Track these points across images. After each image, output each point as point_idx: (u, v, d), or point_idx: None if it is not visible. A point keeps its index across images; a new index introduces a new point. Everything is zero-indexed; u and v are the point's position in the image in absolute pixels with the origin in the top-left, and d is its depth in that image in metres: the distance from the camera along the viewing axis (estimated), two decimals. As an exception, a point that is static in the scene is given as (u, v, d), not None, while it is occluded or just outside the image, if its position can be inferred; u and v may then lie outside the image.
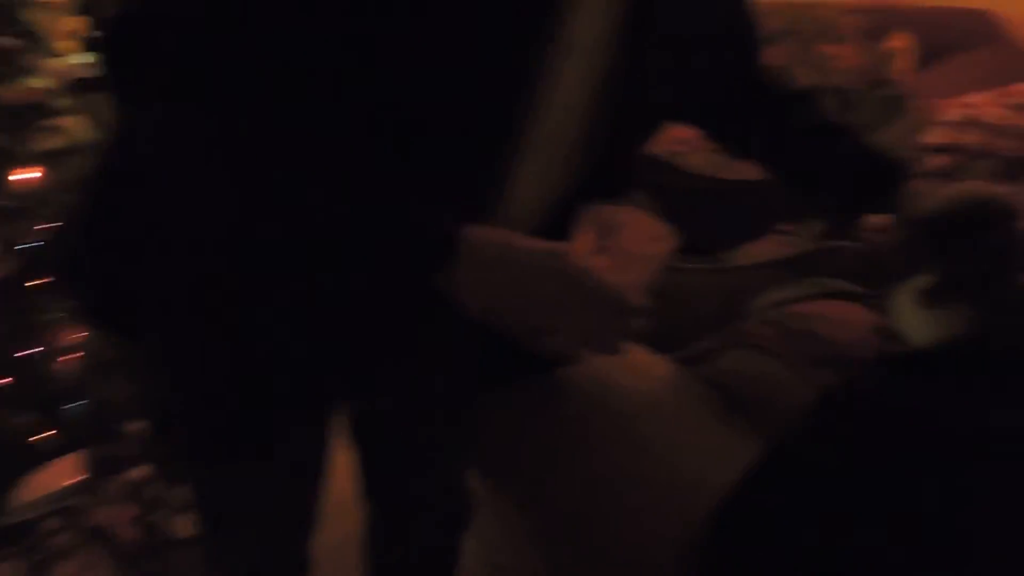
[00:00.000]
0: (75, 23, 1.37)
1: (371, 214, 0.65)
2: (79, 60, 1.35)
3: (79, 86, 1.32)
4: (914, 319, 0.90)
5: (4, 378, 1.27)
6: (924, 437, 0.79)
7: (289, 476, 0.84)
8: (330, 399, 0.83)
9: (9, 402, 1.28)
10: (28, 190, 1.27)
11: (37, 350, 1.30)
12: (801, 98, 0.97)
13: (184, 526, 1.34)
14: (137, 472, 1.38)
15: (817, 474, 0.79)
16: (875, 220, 0.90)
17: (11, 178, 1.26)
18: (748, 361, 0.92)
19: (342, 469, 0.90)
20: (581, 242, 0.69)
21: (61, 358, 1.32)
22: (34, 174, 1.28)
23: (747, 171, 1.96)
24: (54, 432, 1.33)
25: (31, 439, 1.31)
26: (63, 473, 1.35)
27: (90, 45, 1.34)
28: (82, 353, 1.33)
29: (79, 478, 1.36)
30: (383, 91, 0.64)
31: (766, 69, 0.96)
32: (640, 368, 1.01)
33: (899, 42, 2.00)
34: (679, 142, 1.84)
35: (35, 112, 1.28)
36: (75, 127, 1.33)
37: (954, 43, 2.24)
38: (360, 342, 0.76)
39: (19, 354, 1.28)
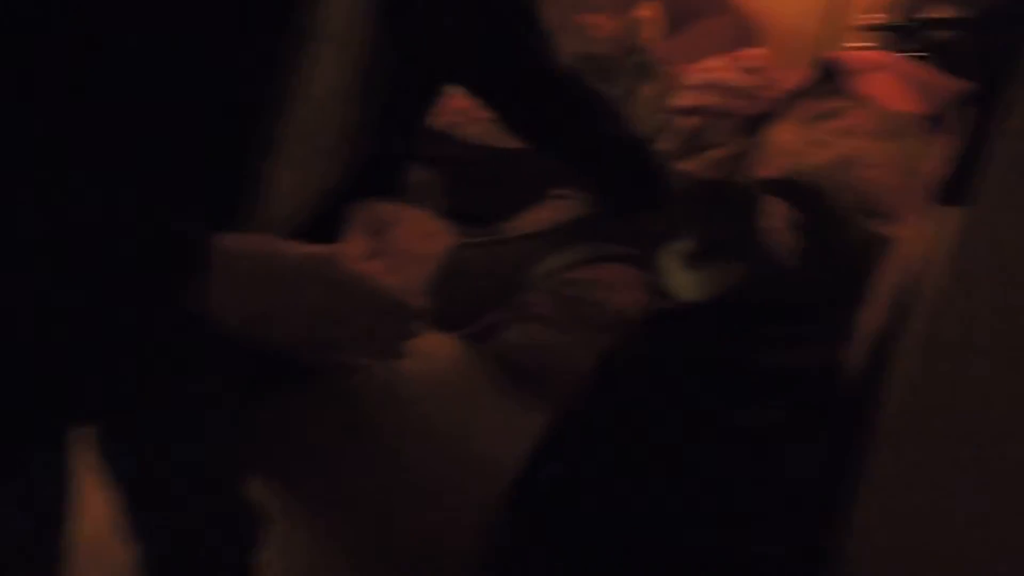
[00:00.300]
0: None
1: (106, 222, 0.58)
2: None
3: None
4: (681, 278, 0.95)
5: None
6: (697, 387, 0.84)
7: (20, 511, 0.72)
8: (64, 417, 0.72)
9: None
10: None
11: None
12: (568, 78, 0.99)
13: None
14: None
15: (599, 439, 0.82)
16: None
17: None
18: (531, 333, 0.93)
19: (96, 508, 0.78)
20: (352, 244, 0.65)
21: None
22: None
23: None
24: None
25: None
26: None
27: None
28: None
29: None
30: (119, 87, 0.57)
31: (537, 45, 0.97)
32: (426, 351, 0.98)
33: (647, 12, 2.12)
34: (455, 112, 1.81)
35: None
36: None
37: (693, 13, 2.43)
38: (93, 355, 0.67)
39: None
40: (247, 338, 0.61)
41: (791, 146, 1.37)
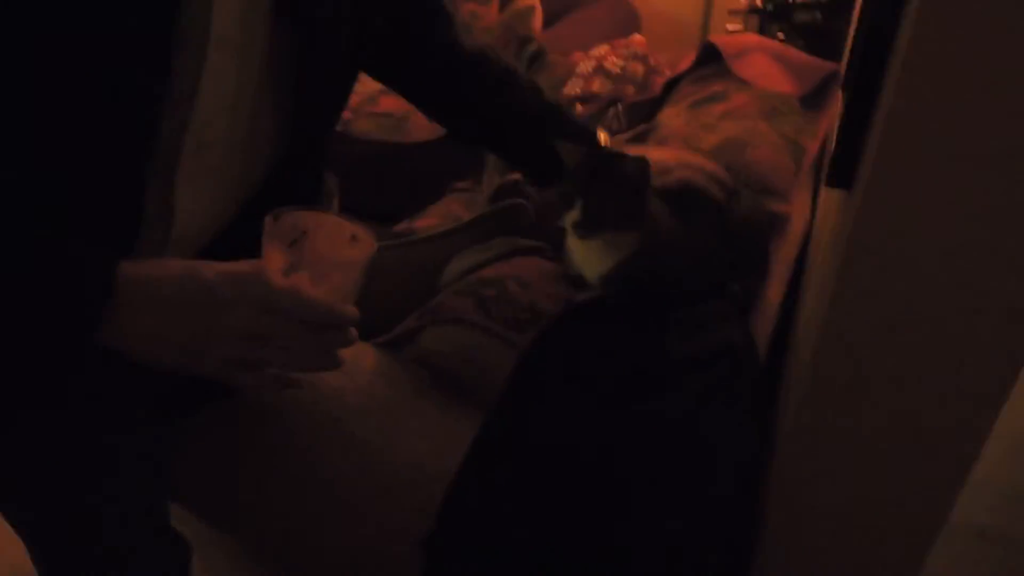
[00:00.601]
0: None
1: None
2: None
3: None
4: (582, 256, 0.96)
5: None
6: (614, 381, 0.86)
7: None
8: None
9: None
10: None
11: None
12: (481, 55, 0.98)
13: None
14: None
15: (524, 442, 0.82)
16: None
17: None
18: (450, 336, 0.91)
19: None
20: (272, 258, 0.61)
21: None
22: None
23: (416, 133, 1.95)
24: None
25: None
26: None
27: None
28: None
29: None
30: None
31: (444, 25, 0.95)
32: (345, 362, 0.95)
33: (529, 1, 2.13)
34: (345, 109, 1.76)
35: None
36: None
37: (571, 2, 2.46)
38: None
39: None
40: (167, 367, 0.58)
41: (682, 131, 1.42)
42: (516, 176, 1.24)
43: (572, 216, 0.89)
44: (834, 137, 0.79)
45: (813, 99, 1.60)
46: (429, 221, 1.60)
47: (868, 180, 0.61)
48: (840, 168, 0.73)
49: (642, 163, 0.89)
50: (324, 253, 0.64)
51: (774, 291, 1.15)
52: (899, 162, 0.59)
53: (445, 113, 1.01)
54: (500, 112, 0.99)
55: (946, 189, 0.58)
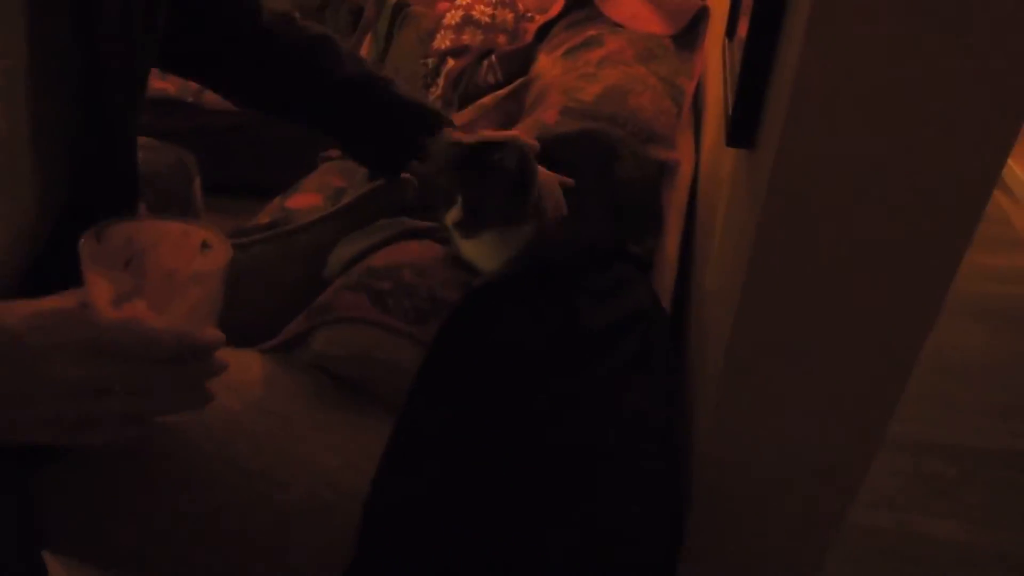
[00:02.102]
0: None
1: None
2: None
3: None
4: (473, 254, 0.90)
5: None
6: (529, 360, 0.81)
7: None
8: None
9: None
10: None
11: None
12: (281, 25, 0.88)
13: None
14: None
15: (445, 439, 0.76)
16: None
17: None
18: (346, 337, 0.83)
19: None
20: (95, 288, 0.50)
21: None
22: None
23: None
24: None
25: None
26: None
27: None
28: None
29: None
30: None
31: (263, 15, 0.85)
32: (231, 376, 0.85)
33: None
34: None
35: None
36: None
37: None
38: None
39: None
40: None
41: (562, 81, 1.36)
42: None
43: (453, 215, 0.82)
44: (730, 95, 0.75)
45: (685, 38, 1.57)
46: (305, 198, 1.49)
47: (781, 141, 0.57)
48: (740, 128, 0.69)
49: (521, 155, 0.84)
50: (171, 269, 0.54)
51: (671, 244, 1.13)
52: (812, 119, 0.55)
53: (259, 94, 0.92)
54: (314, 85, 0.90)
55: (860, 142, 0.55)
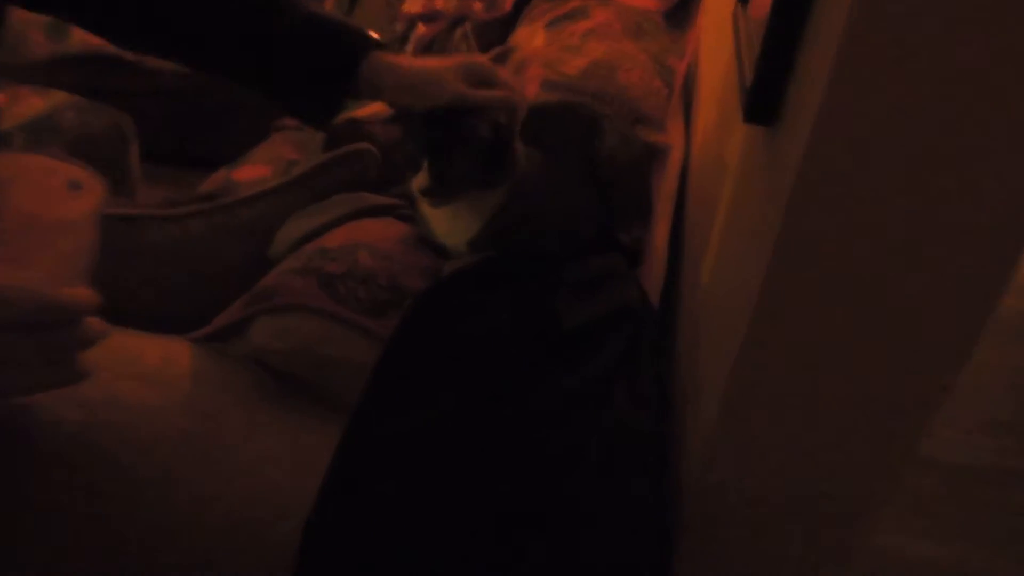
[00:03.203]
0: None
1: None
2: None
3: None
4: (440, 225, 0.82)
5: None
6: (502, 362, 0.72)
7: None
8: None
9: None
10: None
11: None
12: None
13: None
14: None
15: (401, 450, 0.67)
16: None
17: None
18: (289, 329, 0.73)
19: None
20: None
21: None
22: None
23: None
24: None
25: None
26: None
27: None
28: None
29: None
30: None
31: None
32: (152, 366, 0.75)
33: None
34: None
35: None
36: None
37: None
38: None
39: None
40: None
41: (543, 54, 1.26)
42: (357, 112, 1.05)
43: (420, 181, 0.74)
44: (746, 66, 0.67)
45: (676, 16, 1.49)
46: (254, 169, 1.38)
47: (818, 117, 0.49)
48: (760, 102, 0.61)
49: (495, 124, 0.76)
50: (31, 213, 0.44)
51: (660, 235, 1.05)
52: (860, 91, 0.47)
53: (131, 26, 0.76)
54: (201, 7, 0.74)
55: (916, 120, 0.47)
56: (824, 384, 0.58)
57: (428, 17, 1.61)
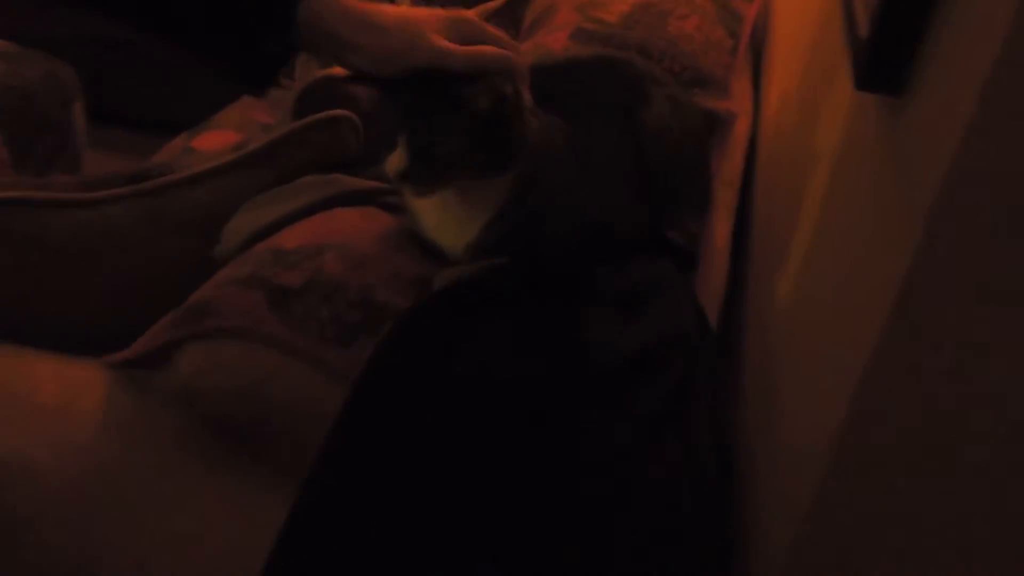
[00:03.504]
0: None
1: None
2: None
3: None
4: (429, 219, 0.71)
5: None
6: (510, 413, 0.60)
7: None
8: None
9: None
10: None
11: None
12: None
13: None
14: None
15: (370, 528, 0.56)
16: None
17: None
18: (227, 360, 0.62)
19: None
20: None
21: None
22: None
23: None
24: None
25: None
26: None
27: None
28: None
29: None
30: None
31: None
32: (47, 405, 0.64)
33: None
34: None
35: None
36: None
37: None
38: None
39: None
40: None
41: (577, -6, 1.14)
42: (336, 69, 0.93)
43: (395, 161, 0.63)
44: (858, 11, 0.54)
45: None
46: (220, 135, 1.29)
47: (987, 86, 0.36)
48: (883, 63, 0.48)
49: (504, 91, 0.67)
50: None
51: (721, 231, 0.92)
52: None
53: None
54: None
55: None
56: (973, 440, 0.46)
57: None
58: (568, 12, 1.10)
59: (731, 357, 0.84)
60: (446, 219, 0.71)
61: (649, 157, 0.83)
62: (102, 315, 0.80)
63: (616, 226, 0.76)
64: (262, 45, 0.68)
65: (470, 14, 0.72)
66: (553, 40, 1.05)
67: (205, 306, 0.64)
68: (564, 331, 0.64)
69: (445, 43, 0.67)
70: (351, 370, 0.60)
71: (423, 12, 0.70)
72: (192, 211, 0.82)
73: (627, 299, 0.68)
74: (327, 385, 0.60)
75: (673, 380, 0.66)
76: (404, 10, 0.70)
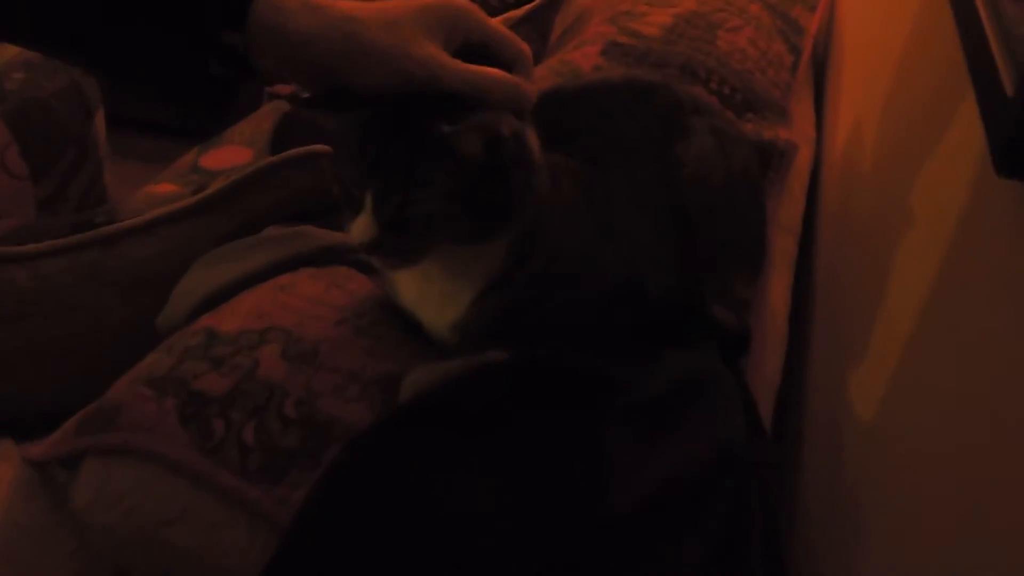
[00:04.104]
0: None
1: None
2: None
3: None
4: (409, 293, 0.54)
5: None
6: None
7: None
8: None
9: None
10: None
11: None
12: None
13: None
14: None
15: None
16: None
17: None
18: (121, 489, 0.46)
19: None
20: None
21: None
22: None
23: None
24: None
25: None
26: None
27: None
28: None
29: None
30: None
31: None
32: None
33: None
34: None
35: None
36: None
37: None
38: None
39: None
40: None
41: (611, 2, 0.96)
42: (280, 88, 0.76)
43: (360, 226, 0.47)
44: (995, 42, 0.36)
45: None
46: (231, 152, 1.18)
47: None
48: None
49: (500, 131, 0.49)
50: None
51: (778, 288, 0.74)
52: None
53: None
54: None
55: None
56: None
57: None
58: (600, 23, 0.92)
59: (791, 459, 0.66)
60: (428, 292, 0.55)
61: (689, 205, 0.65)
62: (28, 388, 0.67)
63: (645, 302, 0.59)
64: (206, 65, 0.52)
65: (468, 3, 0.53)
66: (582, 56, 0.88)
67: (112, 411, 0.49)
68: (575, 464, 0.47)
69: (432, 50, 0.50)
70: (281, 515, 0.44)
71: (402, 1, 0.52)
72: (139, 266, 0.67)
73: (659, 411, 0.51)
74: (248, 533, 0.44)
75: (718, 518, 0.49)
76: (380, 3, 0.52)
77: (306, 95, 0.52)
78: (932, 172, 0.52)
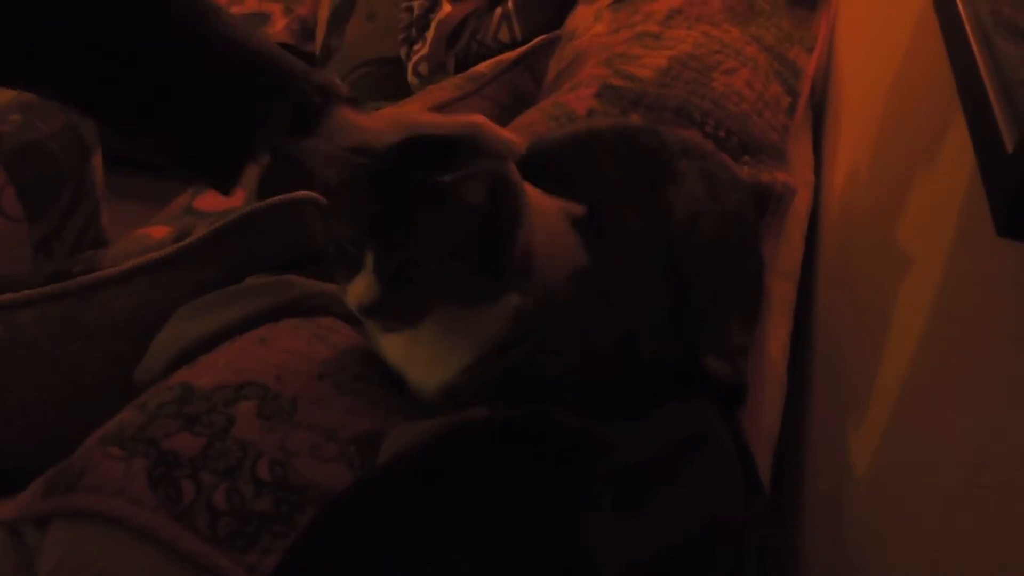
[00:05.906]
0: None
1: None
2: None
3: None
4: (401, 356, 0.53)
5: None
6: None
7: None
8: None
9: None
10: None
11: None
12: None
13: None
14: None
15: None
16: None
17: None
18: (85, 556, 0.45)
19: None
20: None
21: None
22: None
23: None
24: None
25: None
26: None
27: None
28: None
29: None
30: None
31: None
32: None
33: None
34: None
35: None
36: None
37: None
38: None
39: None
40: None
41: (606, 45, 0.96)
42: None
43: (359, 288, 0.46)
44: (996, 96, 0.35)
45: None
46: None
47: None
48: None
49: (498, 182, 0.50)
50: None
51: (776, 336, 0.73)
52: None
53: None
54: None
55: None
56: None
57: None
58: (595, 66, 0.92)
59: (791, 513, 0.64)
60: (416, 354, 0.54)
61: (680, 251, 0.64)
62: (3, 440, 0.65)
63: (637, 360, 0.57)
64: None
65: (481, 117, 0.55)
66: (576, 99, 0.87)
67: (79, 472, 0.47)
68: (555, 531, 0.45)
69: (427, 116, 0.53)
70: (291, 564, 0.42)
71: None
72: (117, 316, 0.65)
73: (646, 477, 0.49)
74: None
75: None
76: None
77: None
78: (930, 218, 0.51)
